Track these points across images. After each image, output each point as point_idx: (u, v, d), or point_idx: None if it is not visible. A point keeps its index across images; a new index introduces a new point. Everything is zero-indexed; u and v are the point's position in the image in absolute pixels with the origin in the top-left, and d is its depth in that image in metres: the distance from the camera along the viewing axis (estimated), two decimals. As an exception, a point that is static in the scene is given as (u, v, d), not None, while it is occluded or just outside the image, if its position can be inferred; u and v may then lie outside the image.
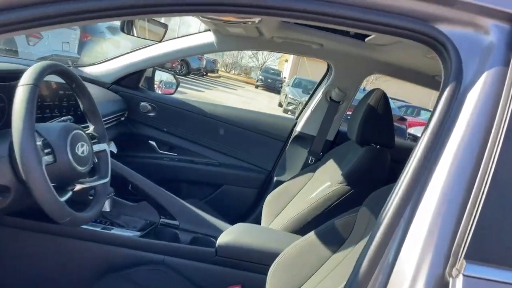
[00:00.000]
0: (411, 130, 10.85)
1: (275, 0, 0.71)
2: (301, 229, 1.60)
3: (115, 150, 1.86)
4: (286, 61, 29.69)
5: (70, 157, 1.04)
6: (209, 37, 2.02)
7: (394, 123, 1.76)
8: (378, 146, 1.66)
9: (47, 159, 0.99)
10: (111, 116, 1.92)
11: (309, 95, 2.40)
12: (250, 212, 2.18)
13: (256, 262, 1.40)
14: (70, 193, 1.03)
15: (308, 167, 2.07)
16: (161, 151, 2.23)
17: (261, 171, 2.23)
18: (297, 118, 2.31)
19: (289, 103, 13.15)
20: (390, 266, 0.68)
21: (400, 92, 13.12)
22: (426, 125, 0.72)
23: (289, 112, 12.33)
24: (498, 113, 0.66)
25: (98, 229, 1.41)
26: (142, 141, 2.22)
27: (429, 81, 1.93)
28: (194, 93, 11.43)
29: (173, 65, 14.19)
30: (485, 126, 0.66)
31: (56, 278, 1.42)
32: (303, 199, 1.77)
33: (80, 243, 1.40)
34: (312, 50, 1.97)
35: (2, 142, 0.97)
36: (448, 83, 0.69)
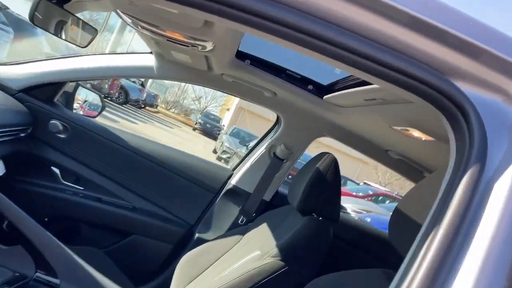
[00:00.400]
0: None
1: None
2: None
3: (1, 172, 1.56)
4: (228, 109, 30.00)
5: None
6: (150, 60, 1.76)
7: None
8: (320, 218, 1.46)
9: None
10: (8, 129, 1.57)
11: (245, 147, 2.20)
12: (160, 272, 1.84)
13: None
14: None
15: (237, 228, 1.82)
16: (64, 182, 1.84)
17: (182, 224, 1.91)
18: (233, 170, 2.06)
19: (224, 151, 13.06)
20: None
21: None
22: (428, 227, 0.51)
23: (222, 160, 12.24)
24: None
25: None
26: (42, 166, 1.82)
27: (381, 154, 1.81)
28: (127, 124, 10.89)
29: (111, 91, 13.39)
30: None
31: None
32: (225, 267, 1.50)
33: None
34: (264, 97, 1.78)
35: None
36: (468, 164, 0.48)
